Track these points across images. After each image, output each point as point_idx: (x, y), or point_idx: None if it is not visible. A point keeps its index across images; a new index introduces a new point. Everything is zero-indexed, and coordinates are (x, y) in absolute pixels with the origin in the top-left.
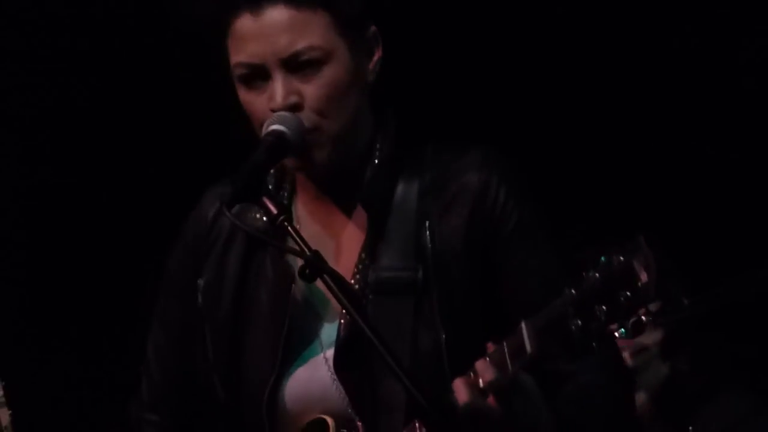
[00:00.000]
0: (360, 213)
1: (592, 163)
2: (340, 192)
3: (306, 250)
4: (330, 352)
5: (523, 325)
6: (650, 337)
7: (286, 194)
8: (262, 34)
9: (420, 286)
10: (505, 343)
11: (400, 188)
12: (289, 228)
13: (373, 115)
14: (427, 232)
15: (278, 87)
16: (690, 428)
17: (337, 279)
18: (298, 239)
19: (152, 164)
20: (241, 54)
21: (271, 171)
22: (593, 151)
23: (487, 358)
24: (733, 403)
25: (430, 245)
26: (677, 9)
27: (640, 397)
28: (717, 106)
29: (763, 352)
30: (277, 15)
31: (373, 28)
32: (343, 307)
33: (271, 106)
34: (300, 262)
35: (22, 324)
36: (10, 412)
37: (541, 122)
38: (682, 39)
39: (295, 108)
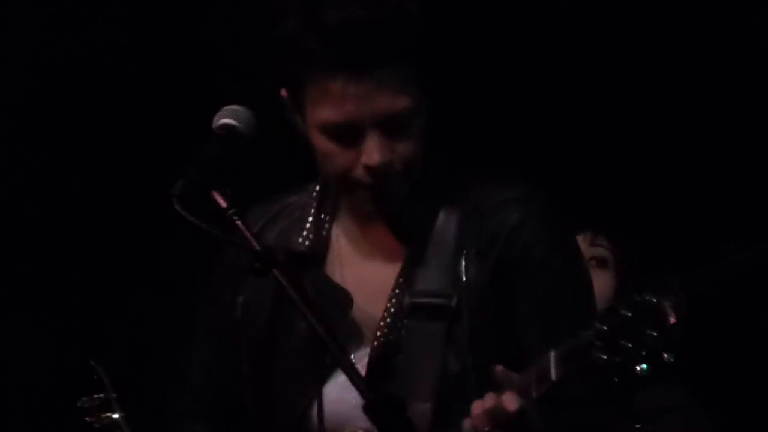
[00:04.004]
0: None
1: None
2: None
3: (255, 244)
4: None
5: (552, 353)
6: None
7: (327, 216)
8: (361, 96)
9: (452, 313)
10: (533, 369)
11: (441, 217)
12: (238, 223)
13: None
14: (463, 263)
15: (376, 145)
16: (637, 427)
17: (288, 275)
18: (247, 234)
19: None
20: (334, 113)
21: (318, 188)
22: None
23: (514, 383)
24: (671, 397)
25: (464, 276)
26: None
27: None
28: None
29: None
30: (379, 77)
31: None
32: (292, 299)
33: (368, 163)
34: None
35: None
36: None
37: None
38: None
39: (389, 163)
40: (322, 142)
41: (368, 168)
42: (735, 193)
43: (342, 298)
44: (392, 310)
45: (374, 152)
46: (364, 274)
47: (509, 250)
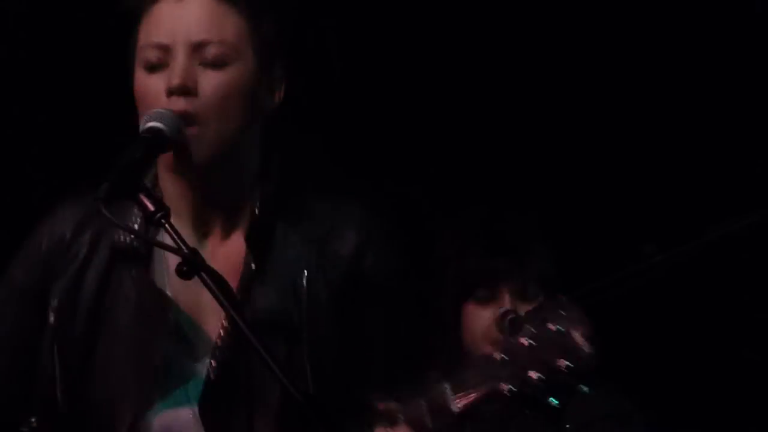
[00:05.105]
0: (237, 252)
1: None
2: (218, 225)
3: (183, 247)
4: (197, 393)
5: (447, 385)
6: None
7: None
8: (179, 16)
9: (293, 332)
10: (422, 400)
11: (285, 232)
12: (167, 225)
13: (262, 159)
14: (305, 282)
15: (180, 66)
16: (567, 426)
17: (216, 278)
18: (175, 236)
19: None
20: (152, 35)
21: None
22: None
23: (402, 416)
24: (605, 405)
25: (306, 296)
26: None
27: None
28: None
29: (639, 352)
30: (201, 5)
31: (282, 71)
32: (222, 307)
33: (169, 84)
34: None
35: None
36: None
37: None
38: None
39: (188, 92)
40: (139, 78)
41: (168, 92)
42: (655, 195)
43: (161, 305)
44: (230, 326)
45: (174, 75)
46: (196, 286)
47: (351, 272)
